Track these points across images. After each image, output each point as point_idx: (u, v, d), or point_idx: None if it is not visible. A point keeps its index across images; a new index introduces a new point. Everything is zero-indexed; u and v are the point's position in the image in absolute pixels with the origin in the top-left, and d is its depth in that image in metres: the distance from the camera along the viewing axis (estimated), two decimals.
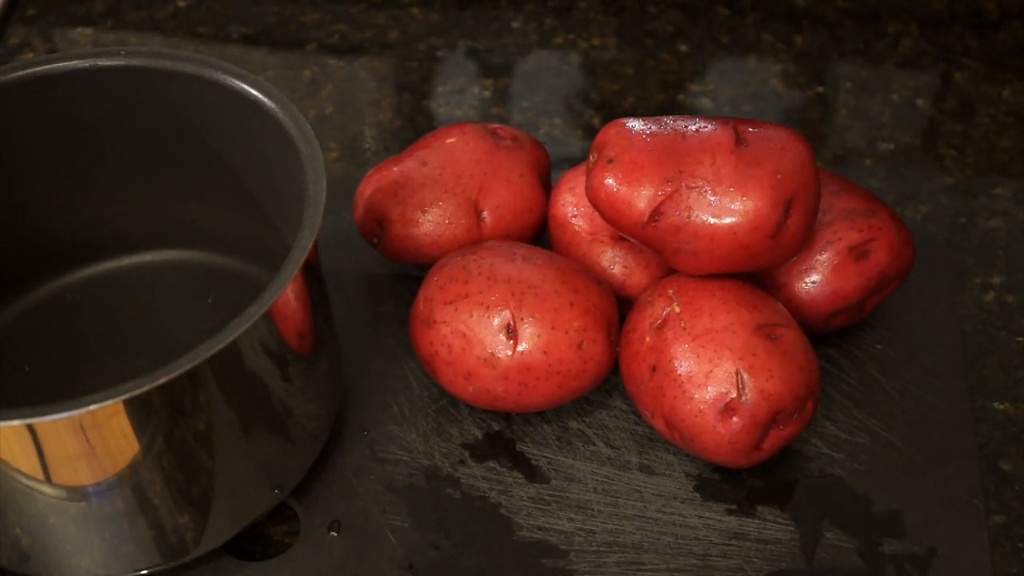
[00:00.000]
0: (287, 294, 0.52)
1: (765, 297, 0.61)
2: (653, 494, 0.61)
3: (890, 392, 0.65)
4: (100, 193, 0.66)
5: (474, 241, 0.66)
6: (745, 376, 0.57)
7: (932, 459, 0.62)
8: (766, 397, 0.57)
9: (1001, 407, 0.66)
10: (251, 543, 0.60)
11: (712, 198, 0.57)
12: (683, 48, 0.87)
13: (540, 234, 0.69)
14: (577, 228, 0.65)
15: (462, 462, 0.63)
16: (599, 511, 0.61)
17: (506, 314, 0.60)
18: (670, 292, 0.61)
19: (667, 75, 0.85)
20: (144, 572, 0.57)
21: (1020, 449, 0.64)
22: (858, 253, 0.62)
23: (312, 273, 0.56)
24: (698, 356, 0.58)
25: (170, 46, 0.87)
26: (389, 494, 0.61)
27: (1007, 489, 0.62)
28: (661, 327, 0.60)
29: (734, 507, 0.61)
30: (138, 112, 0.62)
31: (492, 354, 0.60)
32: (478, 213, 0.66)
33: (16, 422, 0.47)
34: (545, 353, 0.60)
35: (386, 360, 0.67)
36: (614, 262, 0.64)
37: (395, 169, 0.67)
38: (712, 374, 0.58)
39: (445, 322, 0.61)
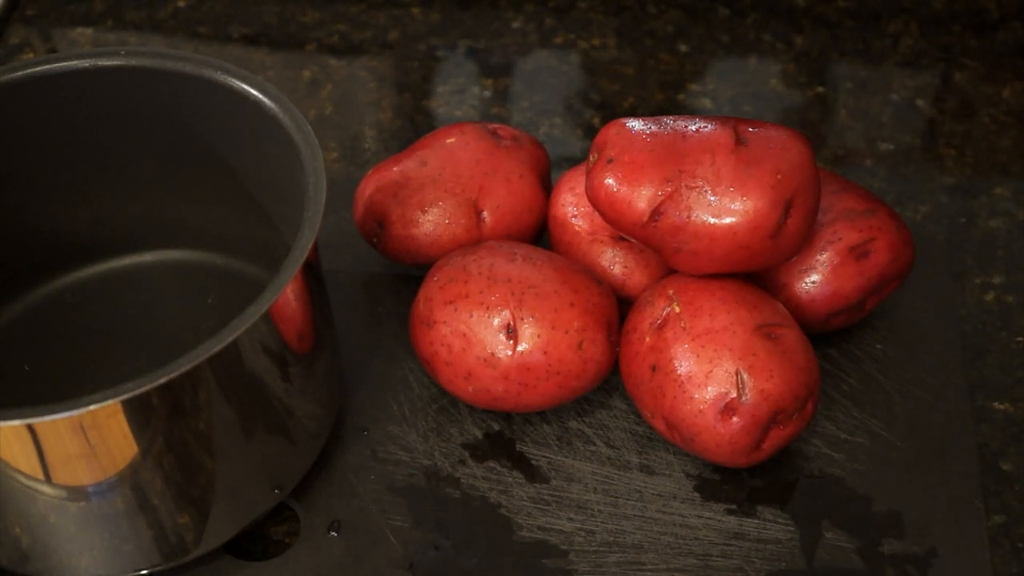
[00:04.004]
0: (287, 294, 0.53)
1: (765, 297, 0.61)
2: (653, 494, 0.61)
3: (890, 392, 0.65)
4: (100, 193, 0.66)
5: (474, 241, 0.66)
6: (745, 376, 0.57)
7: (932, 459, 0.62)
8: (766, 397, 0.57)
9: (1001, 407, 0.66)
10: (251, 543, 0.60)
11: (712, 198, 0.57)
12: (683, 48, 0.87)
13: (540, 234, 0.69)
14: (577, 228, 0.65)
15: (462, 462, 0.63)
16: (599, 511, 0.61)
17: (506, 314, 0.60)
18: (670, 292, 0.61)
19: (667, 75, 0.85)
20: (144, 572, 0.57)
21: (1020, 449, 0.64)
22: (858, 253, 0.62)
23: (312, 273, 0.56)
24: (698, 356, 0.58)
25: (170, 46, 0.87)
26: (389, 494, 0.61)
27: (1007, 489, 0.62)
28: (661, 327, 0.60)
29: (734, 507, 0.61)
30: (138, 112, 0.62)
31: (492, 354, 0.60)
32: (478, 213, 0.66)
33: (16, 422, 0.47)
34: (545, 353, 0.60)
35: (386, 360, 0.67)
36: (614, 262, 0.64)
37: (395, 169, 0.67)
38: (712, 374, 0.58)
39: (445, 322, 0.61)
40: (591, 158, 0.61)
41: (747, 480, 0.62)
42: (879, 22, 0.88)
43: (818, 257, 0.63)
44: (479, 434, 0.64)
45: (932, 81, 0.84)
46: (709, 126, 0.59)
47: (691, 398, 0.58)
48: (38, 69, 0.60)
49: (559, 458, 0.63)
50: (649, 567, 0.59)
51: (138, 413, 0.49)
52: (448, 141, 0.67)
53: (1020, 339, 0.69)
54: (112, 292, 0.68)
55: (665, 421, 0.60)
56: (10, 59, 0.86)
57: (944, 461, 0.62)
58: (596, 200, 0.60)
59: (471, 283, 0.61)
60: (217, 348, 0.49)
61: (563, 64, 0.86)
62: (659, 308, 0.61)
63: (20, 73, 0.60)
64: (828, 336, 0.67)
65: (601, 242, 0.65)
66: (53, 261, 0.67)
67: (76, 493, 0.52)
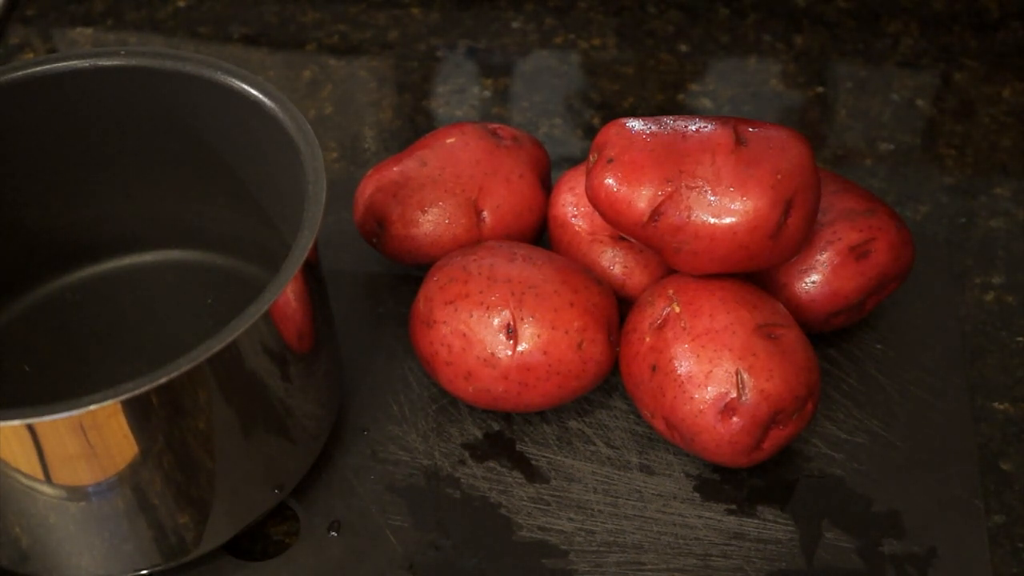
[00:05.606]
0: (287, 294, 0.53)
1: (765, 297, 0.61)
2: (653, 494, 0.61)
3: (890, 392, 0.65)
4: (100, 193, 0.66)
5: (474, 241, 0.66)
6: (745, 376, 0.57)
7: (932, 459, 0.62)
8: (766, 397, 0.57)
9: (1001, 407, 0.66)
10: (251, 543, 0.60)
11: (712, 198, 0.57)
12: (683, 48, 0.87)
13: (540, 234, 0.69)
14: (577, 228, 0.65)
15: (462, 462, 0.63)
16: (599, 511, 0.61)
17: (506, 314, 0.60)
18: (670, 292, 0.61)
19: (667, 75, 0.85)
20: (144, 572, 0.57)
21: (1020, 449, 0.64)
22: (858, 253, 0.62)
23: (312, 273, 0.56)
24: (698, 356, 0.58)
25: (170, 46, 0.87)
26: (389, 494, 0.61)
27: (1007, 489, 0.62)
28: (661, 327, 0.60)
29: (734, 507, 0.61)
30: (138, 112, 0.62)
31: (492, 354, 0.60)
32: (478, 213, 0.66)
33: (16, 422, 0.47)
34: (545, 353, 0.60)
35: (386, 360, 0.67)
36: (614, 262, 0.64)
37: (395, 169, 0.67)
38: (712, 374, 0.58)
39: (445, 322, 0.61)
40: (591, 158, 0.61)
41: (747, 480, 0.62)
42: (879, 22, 0.88)
43: (818, 257, 0.63)
44: (479, 434, 0.64)
45: (932, 81, 0.84)
46: (709, 126, 0.59)
47: (691, 398, 0.58)
48: (38, 69, 0.60)
49: (559, 458, 0.63)
50: (649, 567, 0.59)
51: (138, 413, 0.49)
52: (448, 141, 0.67)
53: (1020, 339, 0.69)
54: (112, 292, 0.68)
55: (665, 421, 0.60)
56: (10, 59, 0.86)
57: (944, 461, 0.62)
58: (596, 200, 0.60)
59: (471, 283, 0.61)
60: (217, 348, 0.49)
61: (563, 64, 0.86)
62: (659, 308, 0.61)
63: (20, 73, 0.60)
64: (828, 336, 0.67)
65: (601, 242, 0.65)
66: (53, 261, 0.67)
67: (76, 493, 0.52)
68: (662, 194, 0.58)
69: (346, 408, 0.65)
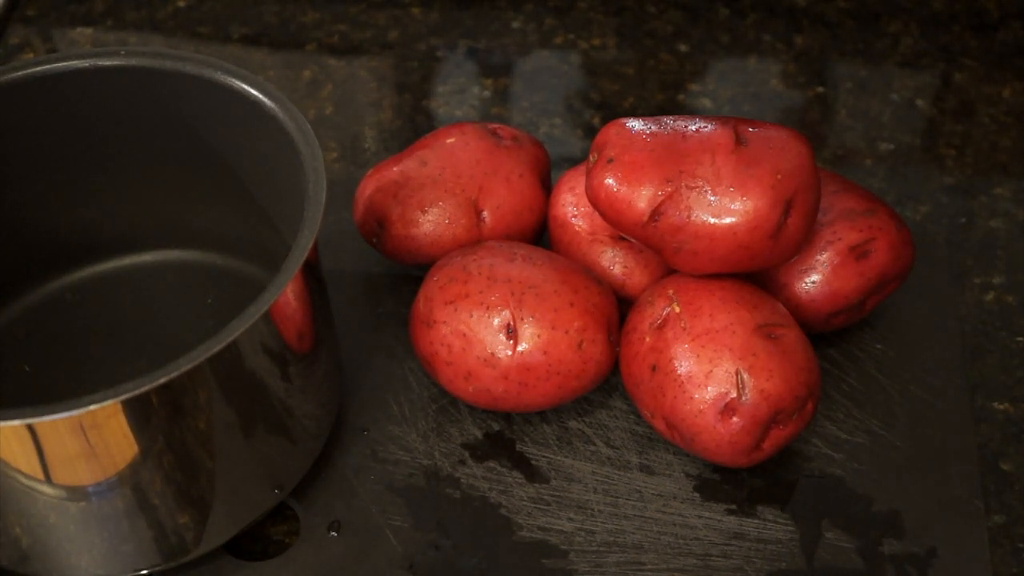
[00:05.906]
0: (287, 294, 0.53)
1: (765, 297, 0.61)
2: (653, 494, 0.61)
3: (890, 392, 0.65)
4: (100, 193, 0.66)
5: (474, 241, 0.66)
6: (745, 376, 0.57)
7: (932, 459, 0.62)
8: (766, 397, 0.57)
9: (1001, 407, 0.66)
10: (251, 543, 0.60)
11: (712, 198, 0.57)
12: (683, 48, 0.87)
13: (540, 234, 0.69)
14: (577, 228, 0.65)
15: (462, 462, 0.63)
16: (599, 511, 0.61)
17: (506, 314, 0.60)
18: (670, 292, 0.61)
19: (667, 75, 0.85)
20: (144, 572, 0.57)
21: (1020, 449, 0.64)
22: (858, 253, 0.63)
23: (312, 273, 0.56)
24: (698, 356, 0.58)
25: (170, 46, 0.87)
26: (389, 494, 0.61)
27: (1007, 489, 0.62)
28: (661, 327, 0.60)
29: (734, 507, 0.61)
30: (138, 112, 0.62)
31: (492, 354, 0.60)
32: (478, 213, 0.66)
33: (16, 422, 0.47)
34: (545, 353, 0.60)
35: (386, 360, 0.67)
36: (614, 262, 0.64)
37: (395, 169, 0.67)
38: (712, 374, 0.58)
39: (445, 322, 0.61)
40: (591, 158, 0.61)
41: (747, 480, 0.62)
42: (879, 22, 0.88)
43: (818, 257, 0.63)
44: (479, 434, 0.64)
45: (932, 81, 0.84)
46: (709, 126, 0.59)
47: (691, 398, 0.58)
48: (38, 69, 0.60)
49: (559, 458, 0.63)
50: (649, 567, 0.59)
51: (138, 413, 0.49)
52: (448, 141, 0.67)
53: (1020, 339, 0.69)
54: (112, 292, 0.68)
55: (665, 421, 0.60)
56: (10, 59, 0.86)
57: (944, 461, 0.62)
58: (596, 200, 0.60)
59: (471, 283, 0.61)
60: (217, 348, 0.49)
61: (563, 64, 0.86)
62: (659, 308, 0.61)
63: (20, 73, 0.60)
64: (828, 336, 0.67)
65: (601, 242, 0.65)
66: (53, 261, 0.67)
67: (76, 493, 0.52)
68: (662, 194, 0.58)
69: (346, 408, 0.65)
